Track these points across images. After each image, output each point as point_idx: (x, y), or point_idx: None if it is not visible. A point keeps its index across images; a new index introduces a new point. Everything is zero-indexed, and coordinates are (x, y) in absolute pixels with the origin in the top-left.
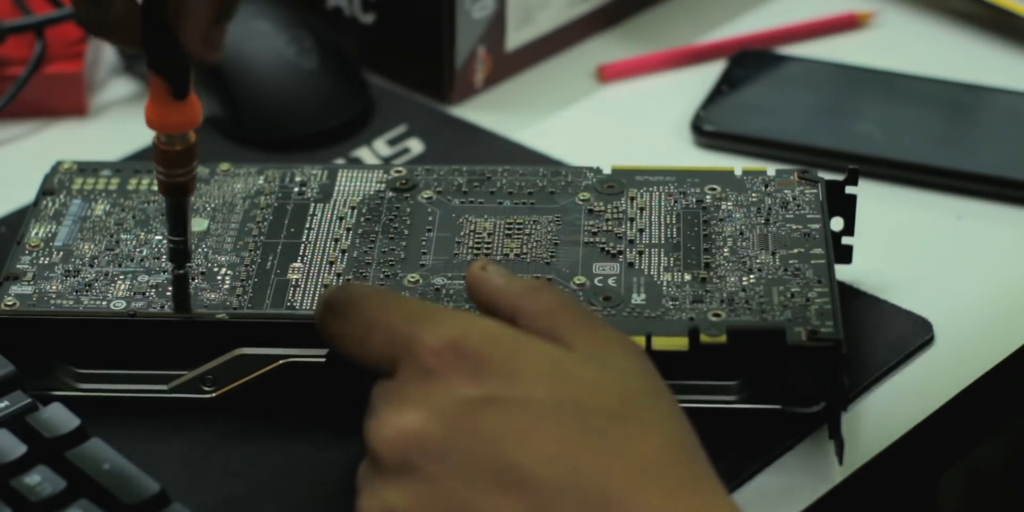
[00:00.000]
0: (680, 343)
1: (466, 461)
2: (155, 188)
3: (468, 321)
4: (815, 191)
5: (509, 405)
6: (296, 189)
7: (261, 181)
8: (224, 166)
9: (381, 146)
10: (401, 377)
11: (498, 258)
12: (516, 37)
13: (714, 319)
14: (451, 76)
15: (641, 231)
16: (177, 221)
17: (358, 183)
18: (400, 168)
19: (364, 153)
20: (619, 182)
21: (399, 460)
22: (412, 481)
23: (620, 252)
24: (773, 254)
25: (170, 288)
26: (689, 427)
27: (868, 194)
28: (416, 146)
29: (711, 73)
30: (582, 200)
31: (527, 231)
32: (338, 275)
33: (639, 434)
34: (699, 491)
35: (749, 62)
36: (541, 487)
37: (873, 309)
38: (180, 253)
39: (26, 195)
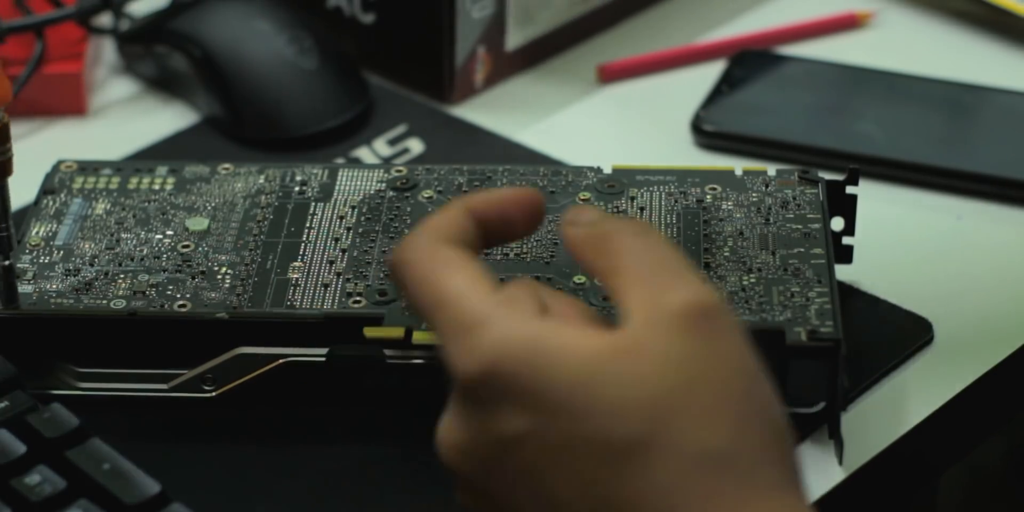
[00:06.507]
0: None
1: (501, 501)
2: (155, 187)
3: (503, 343)
4: (815, 191)
5: (536, 445)
6: (297, 188)
7: (262, 180)
8: (225, 166)
9: (381, 146)
10: (454, 386)
11: (498, 257)
12: (516, 37)
13: None
14: (451, 76)
15: None
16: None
17: (359, 182)
18: (400, 167)
19: (364, 153)
20: (619, 182)
21: (450, 468)
22: (463, 489)
23: None
24: (773, 254)
25: (159, 287)
26: (742, 424)
27: (868, 194)
28: (416, 146)
29: (711, 73)
30: (583, 199)
31: None
32: (338, 274)
33: (662, 458)
34: (745, 505)
35: (749, 62)
36: None
37: (873, 309)
38: (4, 241)
39: (26, 195)
